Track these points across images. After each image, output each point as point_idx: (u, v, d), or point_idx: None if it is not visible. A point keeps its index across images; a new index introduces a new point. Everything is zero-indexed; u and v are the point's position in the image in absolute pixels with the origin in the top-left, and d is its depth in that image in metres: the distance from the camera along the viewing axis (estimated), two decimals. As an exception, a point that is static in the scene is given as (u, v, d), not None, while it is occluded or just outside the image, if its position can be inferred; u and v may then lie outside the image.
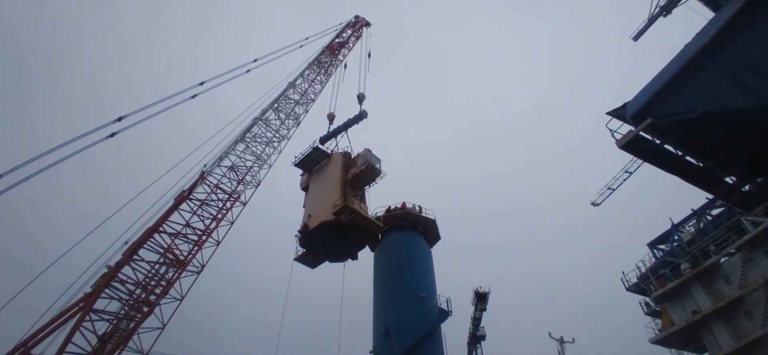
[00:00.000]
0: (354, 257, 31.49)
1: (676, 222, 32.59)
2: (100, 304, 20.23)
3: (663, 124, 11.07)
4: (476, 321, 34.55)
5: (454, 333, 29.83)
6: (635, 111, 11.53)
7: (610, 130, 12.48)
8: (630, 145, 11.58)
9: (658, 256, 34.76)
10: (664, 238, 34.32)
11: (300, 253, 30.68)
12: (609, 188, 53.77)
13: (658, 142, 11.62)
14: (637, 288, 35.83)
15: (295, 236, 30.43)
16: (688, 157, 12.02)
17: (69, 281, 21.15)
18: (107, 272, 21.10)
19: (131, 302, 20.86)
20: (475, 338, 34.32)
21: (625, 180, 53.08)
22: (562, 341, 28.89)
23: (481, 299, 34.12)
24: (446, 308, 27.38)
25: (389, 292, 27.93)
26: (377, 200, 51.32)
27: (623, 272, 36.27)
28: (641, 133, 11.32)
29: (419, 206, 31.18)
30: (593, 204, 56.78)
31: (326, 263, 31.83)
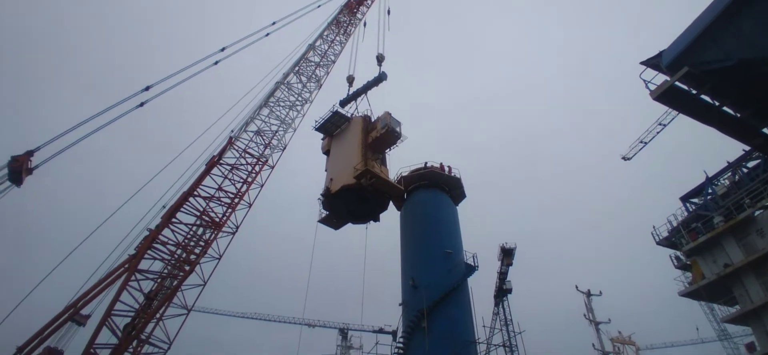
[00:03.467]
0: (376, 219, 32.11)
1: (710, 175, 31.53)
2: (144, 264, 21.55)
3: (699, 72, 10.61)
4: (502, 276, 35.19)
5: (480, 287, 30.52)
6: (671, 60, 11.05)
7: (644, 80, 12.06)
8: (665, 95, 11.19)
9: (691, 210, 34.01)
10: (697, 191, 33.39)
11: (323, 215, 31.47)
12: (641, 142, 52.16)
13: (694, 92, 11.18)
14: (667, 242, 35.37)
15: (318, 199, 31.20)
16: (724, 108, 11.55)
17: (112, 245, 22.60)
18: (148, 234, 22.32)
19: (173, 262, 22.15)
20: (502, 291, 35.09)
21: (658, 133, 51.30)
22: (589, 294, 29.11)
23: (507, 254, 34.55)
24: (473, 263, 27.89)
25: (416, 248, 28.56)
26: (401, 161, 51.59)
27: (654, 227, 35.77)
28: (677, 82, 10.90)
29: (441, 164, 31.21)
30: (624, 158, 55.34)
31: (350, 224, 32.65)
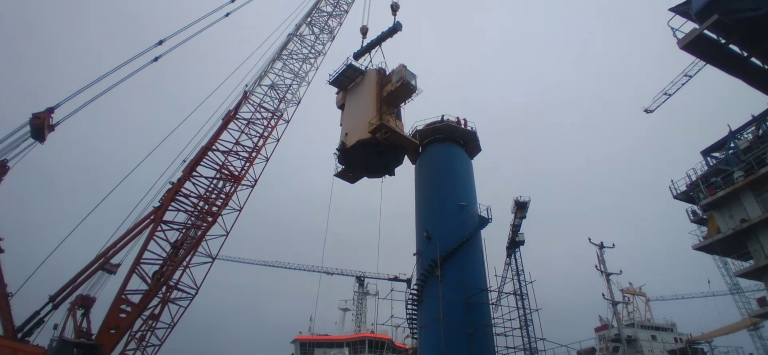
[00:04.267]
0: (391, 173, 32.34)
1: (734, 129, 30.67)
2: (168, 216, 22.43)
3: (729, 21, 10.22)
4: (515, 228, 35.69)
5: (493, 239, 31.04)
6: (701, 6, 10.65)
7: (672, 28, 11.67)
8: (693, 44, 10.88)
9: (711, 164, 33.44)
10: (719, 145, 32.65)
11: (339, 169, 31.80)
12: (665, 94, 50.52)
13: (722, 41, 10.82)
14: (685, 196, 35.08)
15: (334, 153, 31.45)
16: (753, 59, 11.18)
17: (136, 199, 23.49)
18: (171, 187, 23.08)
19: (196, 214, 23.01)
20: (514, 243, 35.73)
21: (683, 85, 49.51)
22: (601, 246, 29.39)
23: (520, 207, 34.86)
24: (486, 216, 28.28)
25: (430, 201, 28.96)
26: (415, 115, 51.25)
27: (672, 181, 35.41)
28: (705, 31, 10.54)
29: (457, 118, 30.92)
30: (647, 111, 53.88)
31: (366, 178, 33.03)
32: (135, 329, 20.35)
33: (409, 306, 27.08)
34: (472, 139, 31.02)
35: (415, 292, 26.93)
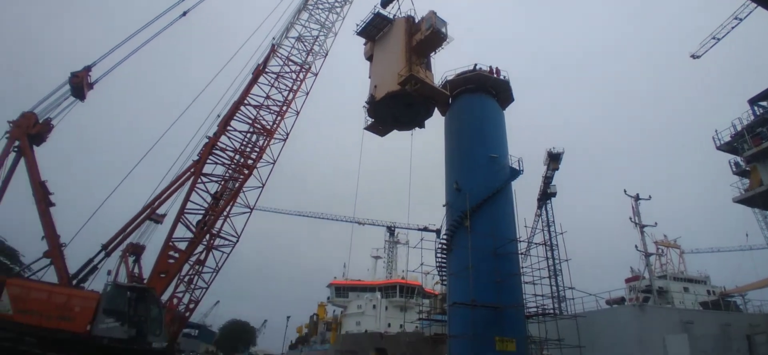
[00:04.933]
0: (421, 126, 32.00)
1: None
2: (207, 169, 23.40)
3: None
4: (547, 180, 35.22)
5: (524, 191, 30.82)
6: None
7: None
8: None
9: (758, 113, 31.80)
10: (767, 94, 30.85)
11: (369, 123, 31.67)
12: (714, 38, 47.33)
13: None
14: (728, 147, 33.75)
15: (363, 106, 31.27)
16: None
17: (174, 153, 24.44)
18: (208, 141, 23.88)
19: (233, 166, 23.86)
20: (546, 195, 35.39)
21: (733, 28, 46.24)
22: (637, 198, 28.75)
23: (553, 158, 34.21)
24: (517, 167, 27.95)
25: (461, 153, 28.72)
26: (446, 64, 50.02)
27: (716, 131, 33.90)
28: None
29: (489, 67, 29.95)
30: (693, 56, 50.77)
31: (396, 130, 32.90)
32: (183, 274, 21.80)
33: (439, 255, 27.63)
34: (504, 89, 30.14)
35: (444, 242, 27.36)
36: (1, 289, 16.93)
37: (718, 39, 48.30)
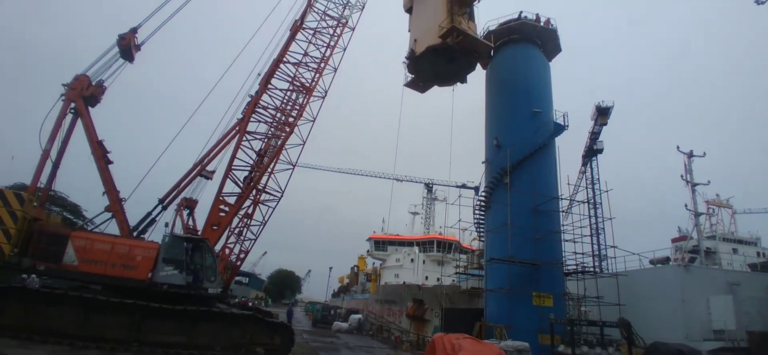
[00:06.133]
0: (463, 81, 31.00)
1: None
2: (251, 127, 24.05)
3: None
4: (594, 136, 33.68)
5: (568, 147, 29.74)
6: None
7: None
8: None
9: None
10: None
11: (409, 79, 31.05)
12: (783, -17, 41.92)
13: None
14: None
15: (403, 62, 30.58)
16: None
17: (222, 110, 25.23)
18: (250, 100, 24.42)
19: (275, 124, 24.43)
20: (591, 151, 33.97)
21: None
22: (690, 156, 27.13)
23: (602, 113, 32.53)
24: (562, 123, 26.92)
25: (502, 107, 27.90)
26: (490, 11, 47.54)
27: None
28: None
29: (536, 15, 28.27)
30: (758, 2, 45.48)
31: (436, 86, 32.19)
32: (233, 226, 23.06)
33: (477, 211, 27.63)
34: (551, 39, 28.53)
35: (483, 199, 27.25)
36: (66, 242, 18.28)
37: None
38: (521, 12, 27.78)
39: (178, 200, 22.63)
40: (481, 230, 27.99)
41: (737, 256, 43.08)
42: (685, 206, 28.20)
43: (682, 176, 27.58)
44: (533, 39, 28.02)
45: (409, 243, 63.21)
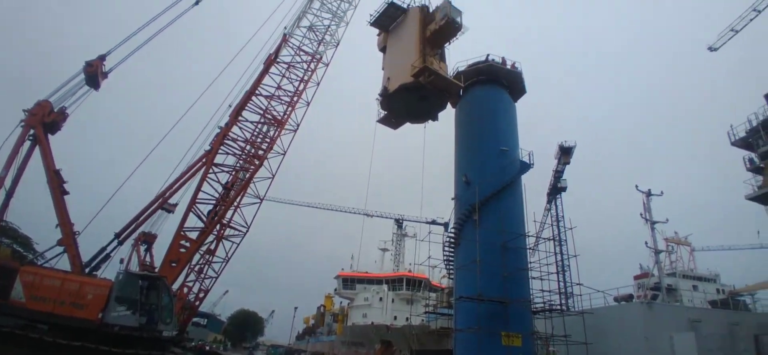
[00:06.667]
0: (434, 118, 31.78)
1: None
2: (218, 159, 23.55)
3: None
4: (558, 174, 34.88)
5: (533, 185, 30.58)
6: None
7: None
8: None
9: (776, 108, 31.21)
10: (786, 89, 30.16)
11: (382, 115, 31.46)
12: (732, 30, 46.14)
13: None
14: (743, 143, 33.20)
15: (377, 99, 31.09)
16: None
17: (186, 144, 24.60)
18: (220, 132, 24.00)
19: (244, 156, 24.00)
20: (556, 189, 35.08)
21: (751, 20, 45.11)
22: (648, 194, 28.40)
23: (565, 152, 33.82)
24: (528, 161, 27.71)
25: (471, 145, 28.51)
26: (460, 53, 49.48)
27: (731, 126, 33.35)
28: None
29: (502, 58, 29.55)
30: (710, 49, 49.58)
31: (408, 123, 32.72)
32: (193, 263, 22.09)
33: (446, 248, 27.63)
34: (516, 81, 29.78)
35: (452, 235, 27.32)
36: (14, 277, 17.24)
37: (737, 31, 47.09)
38: (488, 55, 29.02)
39: (135, 235, 21.60)
40: (451, 267, 27.91)
41: (698, 293, 44.72)
42: (646, 243, 29.24)
43: (641, 214, 28.72)
44: (500, 80, 29.15)
45: (378, 281, 62.24)
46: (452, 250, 27.42)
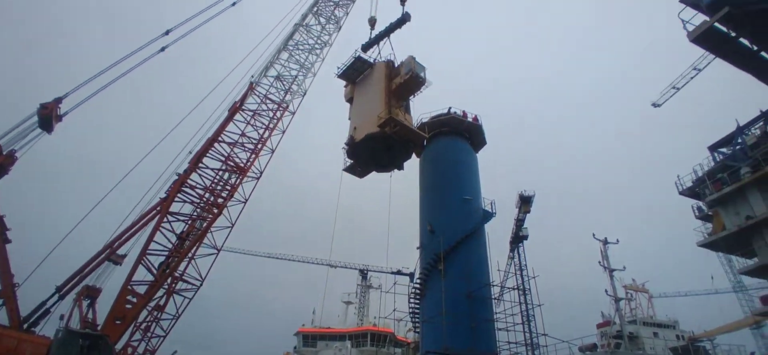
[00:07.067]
0: (400, 168, 32.21)
1: (741, 124, 30.43)
2: (174, 207, 22.55)
3: (740, 13, 10.12)
4: (519, 223, 35.58)
5: (496, 234, 30.99)
6: (712, -1, 10.54)
7: (683, 20, 11.58)
8: (703, 37, 10.79)
9: (718, 159, 33.20)
10: (726, 141, 32.39)
11: (348, 164, 31.68)
12: (673, 88, 50.09)
13: (732, 34, 10.72)
14: (690, 192, 34.88)
15: (343, 148, 31.36)
16: (762, 53, 11.09)
17: (142, 191, 23.60)
18: (177, 178, 23.19)
19: (202, 205, 23.14)
20: (518, 238, 35.65)
21: (691, 78, 49.11)
22: (605, 242, 29.33)
23: (525, 201, 34.74)
24: (490, 210, 28.23)
25: (435, 194, 28.91)
26: (424, 104, 51.04)
27: (678, 176, 35.23)
28: (716, 24, 10.45)
29: (463, 111, 30.75)
30: (654, 105, 53.45)
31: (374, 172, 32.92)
32: (140, 320, 20.53)
33: (412, 300, 27.17)
34: (477, 133, 30.90)
35: (418, 286, 26.99)
36: None
37: (678, 88, 51.10)
38: (450, 108, 30.16)
39: (78, 288, 20.05)
40: (417, 319, 27.34)
41: (659, 340, 45.37)
42: (606, 291, 29.86)
43: (599, 262, 29.48)
44: (462, 132, 30.19)
45: (341, 337, 59.54)
46: (418, 301, 26.97)
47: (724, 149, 33.25)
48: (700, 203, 34.88)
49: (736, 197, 27.77)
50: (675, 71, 51.33)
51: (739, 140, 30.34)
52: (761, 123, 29.66)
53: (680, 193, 35.45)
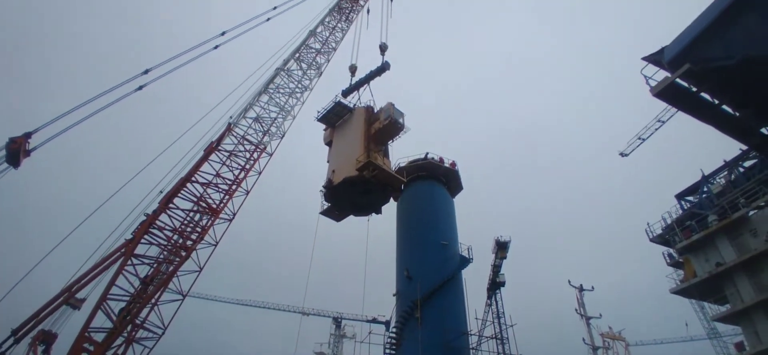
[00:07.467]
0: (378, 211, 32.07)
1: (706, 173, 31.73)
2: (140, 249, 21.42)
3: (701, 70, 10.66)
4: (496, 269, 35.39)
5: (474, 279, 30.70)
6: (673, 56, 11.11)
7: (645, 76, 12.14)
8: (665, 92, 11.25)
9: (686, 208, 34.23)
10: (693, 189, 33.62)
11: (325, 207, 31.36)
12: (639, 138, 52.22)
13: (694, 89, 11.25)
14: (661, 239, 35.62)
15: (320, 191, 31.08)
16: (723, 106, 11.64)
17: (109, 230, 22.49)
18: (145, 219, 22.24)
19: (170, 247, 22.10)
20: (495, 284, 35.30)
21: (656, 129, 51.42)
22: (581, 289, 29.36)
23: (501, 247, 34.74)
24: (467, 256, 28.04)
25: (412, 239, 28.67)
26: (402, 148, 51.61)
27: (648, 224, 36.07)
28: (677, 79, 10.95)
29: (440, 157, 31.15)
30: (622, 154, 55.43)
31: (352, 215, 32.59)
32: (96, 371, 18.96)
33: (388, 350, 26.19)
34: (454, 178, 31.22)
35: (394, 335, 26.14)
36: None
37: (644, 139, 53.38)
38: (427, 153, 30.52)
39: (34, 332, 18.56)
40: (393, 371, 26.27)
41: (638, 390, 44.70)
42: (583, 340, 29.54)
43: (576, 310, 29.35)
44: (439, 177, 30.43)
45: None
46: (394, 351, 26.02)
47: (691, 198, 34.41)
48: (671, 250, 35.64)
49: (705, 244, 28.49)
50: (641, 123, 53.83)
51: (705, 189, 31.50)
52: (725, 172, 31.01)
53: (651, 240, 36.20)
